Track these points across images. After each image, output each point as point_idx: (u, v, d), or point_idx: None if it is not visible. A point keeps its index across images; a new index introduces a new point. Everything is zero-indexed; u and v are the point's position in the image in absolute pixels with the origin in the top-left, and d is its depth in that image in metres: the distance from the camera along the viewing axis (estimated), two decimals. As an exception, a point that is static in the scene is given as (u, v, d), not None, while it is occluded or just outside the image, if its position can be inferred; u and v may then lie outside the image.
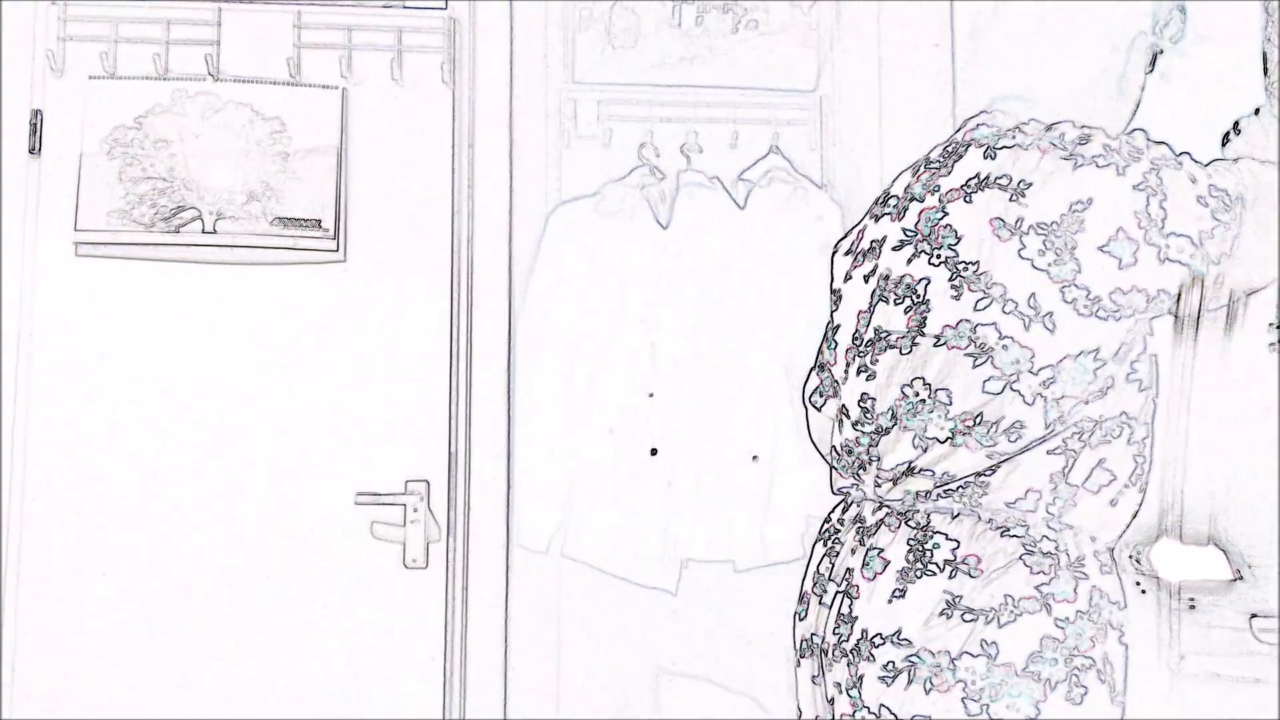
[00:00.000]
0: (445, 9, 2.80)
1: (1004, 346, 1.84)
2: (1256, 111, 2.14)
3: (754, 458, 2.71)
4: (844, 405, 1.97)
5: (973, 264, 1.86)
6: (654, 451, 2.71)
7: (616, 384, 2.72)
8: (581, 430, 2.71)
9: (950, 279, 1.87)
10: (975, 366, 1.85)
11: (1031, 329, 1.83)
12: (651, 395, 2.72)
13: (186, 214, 2.68)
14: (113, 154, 2.68)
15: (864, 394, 1.93)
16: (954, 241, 1.88)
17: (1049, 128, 1.92)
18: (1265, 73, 2.57)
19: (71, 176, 2.68)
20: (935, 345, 1.87)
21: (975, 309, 1.85)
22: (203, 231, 2.68)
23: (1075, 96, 1.95)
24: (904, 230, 1.94)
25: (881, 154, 2.78)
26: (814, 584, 1.99)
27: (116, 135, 2.69)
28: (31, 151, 2.69)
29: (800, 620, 2.01)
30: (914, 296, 1.90)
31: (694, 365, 2.72)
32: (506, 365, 2.73)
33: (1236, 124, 2.12)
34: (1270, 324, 2.49)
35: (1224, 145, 2.14)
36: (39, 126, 2.70)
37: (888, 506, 1.93)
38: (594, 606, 2.70)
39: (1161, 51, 2.01)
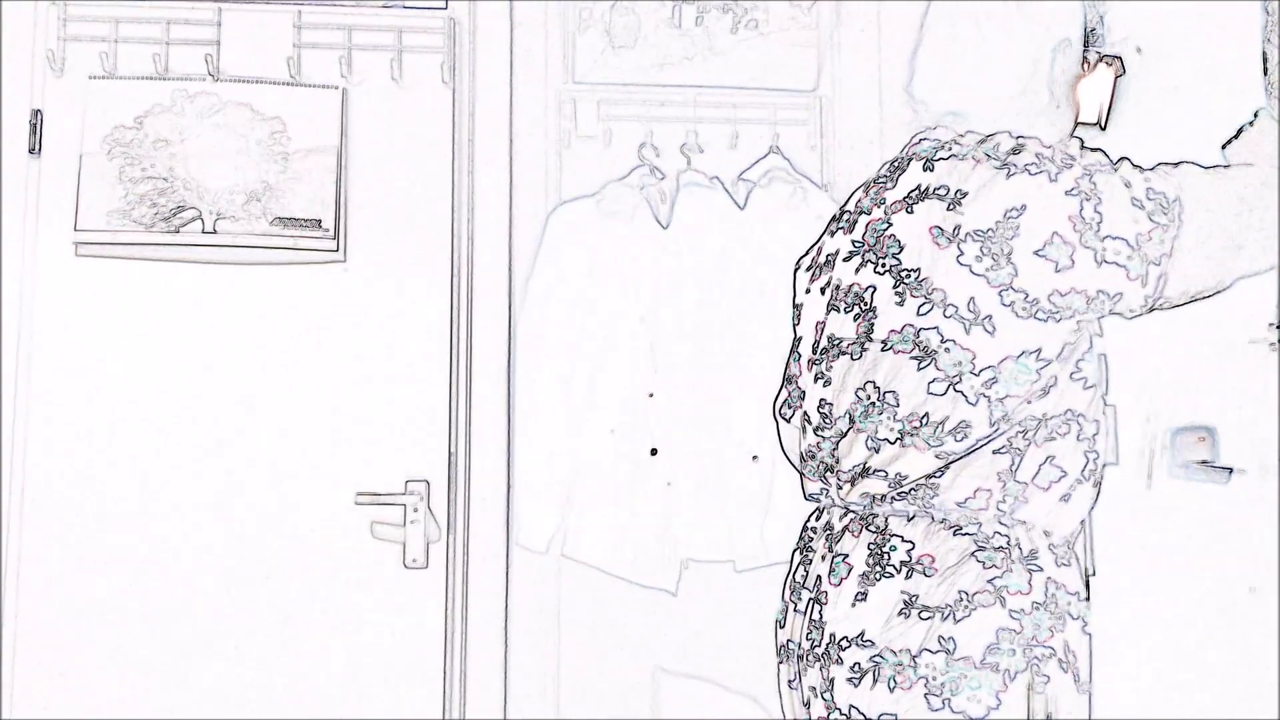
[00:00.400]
0: (445, 9, 2.80)
1: (946, 349, 1.89)
2: (1255, 115, 2.16)
3: (754, 458, 2.71)
4: (805, 412, 2.00)
5: (914, 271, 1.92)
6: (654, 451, 2.71)
7: (616, 384, 2.72)
8: (581, 430, 2.71)
9: (894, 286, 1.94)
10: (920, 369, 1.91)
11: (972, 332, 1.89)
12: (651, 395, 2.72)
13: (186, 214, 2.68)
14: (113, 154, 2.68)
15: (822, 400, 2.00)
16: (897, 250, 1.95)
17: (984, 139, 1.99)
18: (1265, 73, 2.57)
19: (71, 176, 2.68)
20: (883, 350, 1.94)
21: (918, 314, 1.91)
22: (203, 231, 2.68)
23: (1008, 110, 2.01)
24: (853, 242, 2.02)
25: (882, 154, 2.78)
26: (791, 591, 2.04)
27: (116, 135, 2.69)
28: (31, 151, 2.69)
29: (780, 628, 2.06)
30: (862, 304, 1.97)
31: (694, 365, 2.72)
32: (506, 365, 2.73)
33: (1240, 130, 2.15)
34: (1270, 324, 2.50)
35: (1224, 149, 2.15)
36: (39, 126, 2.70)
37: (852, 512, 1.99)
38: (594, 606, 2.70)
39: (1088, 56, 2.05)
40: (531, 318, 2.73)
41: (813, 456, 2.02)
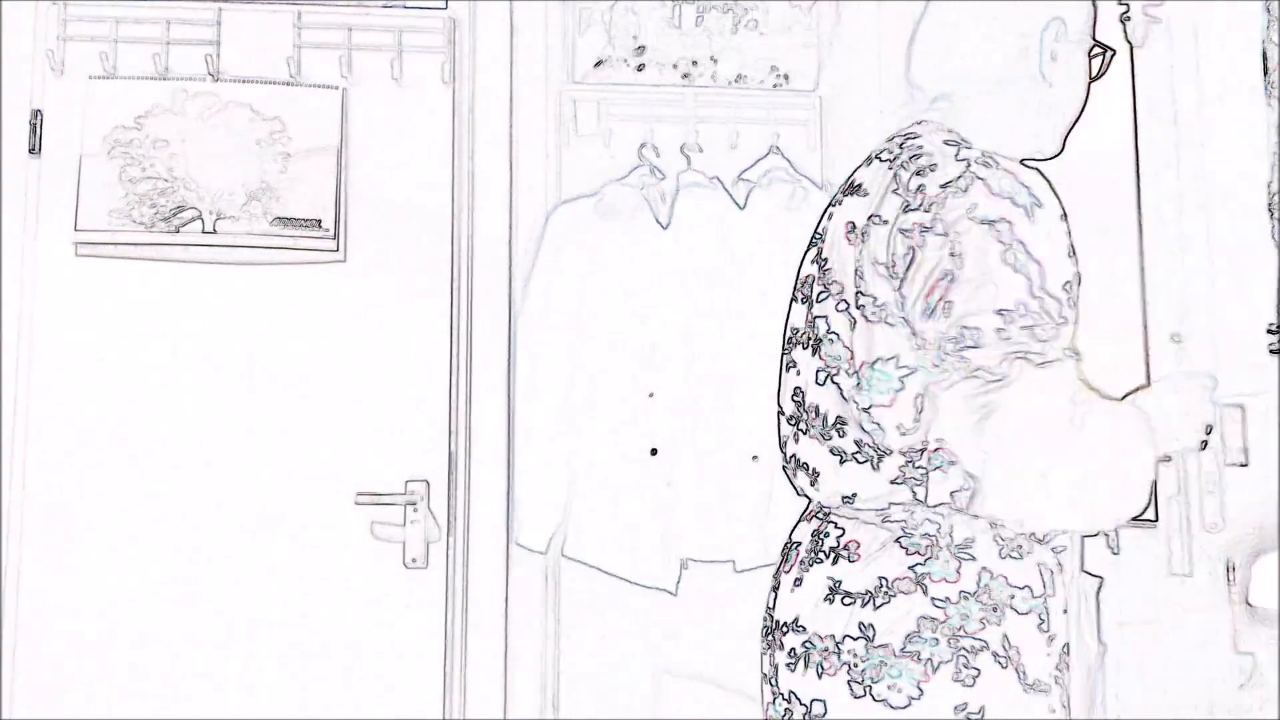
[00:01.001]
0: (445, 9, 2.80)
1: (830, 340, 1.90)
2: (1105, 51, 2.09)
3: (754, 458, 2.71)
4: (780, 406, 2.01)
5: (825, 261, 1.95)
6: (654, 451, 2.71)
7: (616, 384, 2.72)
8: (581, 430, 2.71)
9: (820, 276, 1.96)
10: (812, 357, 1.93)
11: (856, 330, 1.88)
12: (651, 395, 2.72)
13: (186, 214, 2.68)
14: (113, 154, 2.68)
15: (797, 388, 1.99)
16: (822, 242, 1.98)
17: (903, 144, 1.96)
18: (1265, 73, 2.57)
19: (71, 176, 2.68)
20: (807, 340, 1.96)
21: (818, 301, 1.94)
22: (203, 231, 2.68)
23: (994, 91, 1.99)
24: (815, 233, 2.04)
25: (881, 154, 2.78)
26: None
27: (116, 135, 2.69)
28: (31, 151, 2.69)
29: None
30: (803, 294, 1.99)
31: (694, 365, 2.72)
32: (506, 365, 2.73)
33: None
34: (1269, 327, 2.50)
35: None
36: (39, 126, 2.70)
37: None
38: (594, 606, 2.71)
39: (1100, 53, 2.04)
40: (531, 318, 2.73)
41: (784, 446, 2.02)
